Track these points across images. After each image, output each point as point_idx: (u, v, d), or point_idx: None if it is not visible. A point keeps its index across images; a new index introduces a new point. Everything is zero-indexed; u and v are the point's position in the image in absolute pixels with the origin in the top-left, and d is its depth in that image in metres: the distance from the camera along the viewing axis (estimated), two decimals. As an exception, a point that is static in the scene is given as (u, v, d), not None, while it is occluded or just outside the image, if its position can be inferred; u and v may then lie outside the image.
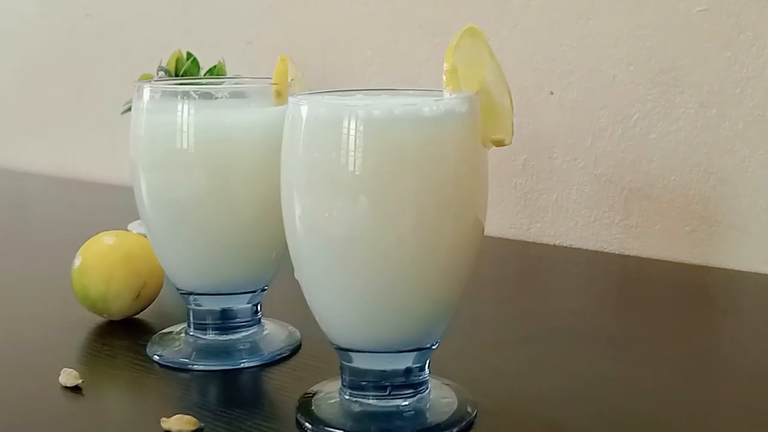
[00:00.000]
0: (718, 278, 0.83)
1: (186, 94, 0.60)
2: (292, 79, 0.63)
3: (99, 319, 0.70)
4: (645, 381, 0.59)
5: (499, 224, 0.96)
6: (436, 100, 0.49)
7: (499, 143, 0.52)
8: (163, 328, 0.69)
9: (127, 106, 0.94)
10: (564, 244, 0.93)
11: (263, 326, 0.66)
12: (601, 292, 0.83)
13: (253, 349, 0.63)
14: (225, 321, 0.64)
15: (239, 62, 1.06)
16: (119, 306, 0.69)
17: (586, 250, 0.92)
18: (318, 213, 0.49)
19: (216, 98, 0.61)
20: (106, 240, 0.71)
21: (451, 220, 0.50)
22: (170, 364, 0.62)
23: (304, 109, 0.49)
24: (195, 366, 0.61)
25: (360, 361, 0.52)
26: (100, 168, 1.32)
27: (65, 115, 1.39)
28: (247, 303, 0.64)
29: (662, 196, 0.87)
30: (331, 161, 0.48)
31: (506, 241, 0.96)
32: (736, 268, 0.83)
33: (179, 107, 0.59)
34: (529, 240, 0.95)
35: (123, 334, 0.68)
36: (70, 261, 0.70)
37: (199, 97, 0.60)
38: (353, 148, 0.48)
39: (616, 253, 0.90)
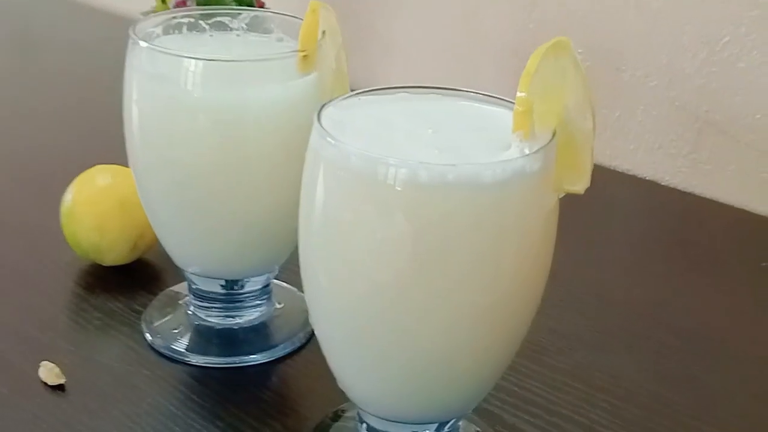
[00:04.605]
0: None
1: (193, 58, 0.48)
2: (323, 32, 0.51)
3: (89, 263, 0.63)
4: (698, 364, 0.53)
5: (549, 133, 0.86)
6: (501, 163, 0.38)
7: (574, 193, 0.42)
8: (162, 284, 0.61)
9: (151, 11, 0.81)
10: (619, 168, 0.83)
11: (274, 303, 0.58)
12: (655, 232, 0.74)
13: (262, 339, 0.56)
14: (230, 296, 0.56)
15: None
16: (114, 257, 0.61)
17: (644, 179, 0.81)
18: (341, 285, 0.40)
19: (231, 61, 0.49)
20: (100, 180, 0.61)
21: (507, 297, 0.40)
22: (167, 353, 0.55)
23: (330, 152, 0.39)
24: (194, 361, 0.54)
25: (378, 424, 0.45)
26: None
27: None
28: (259, 286, 0.56)
29: (742, 135, 0.75)
30: (360, 224, 0.38)
31: (555, 152, 0.85)
32: (815, 229, 0.74)
33: (183, 77, 0.48)
34: (581, 157, 0.85)
35: (117, 292, 0.60)
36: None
37: (208, 60, 0.49)
38: (391, 216, 0.38)
39: (678, 188, 0.80)
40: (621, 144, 0.82)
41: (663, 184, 0.81)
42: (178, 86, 0.48)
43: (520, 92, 0.39)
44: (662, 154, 0.80)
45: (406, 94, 0.45)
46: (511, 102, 0.42)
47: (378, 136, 0.41)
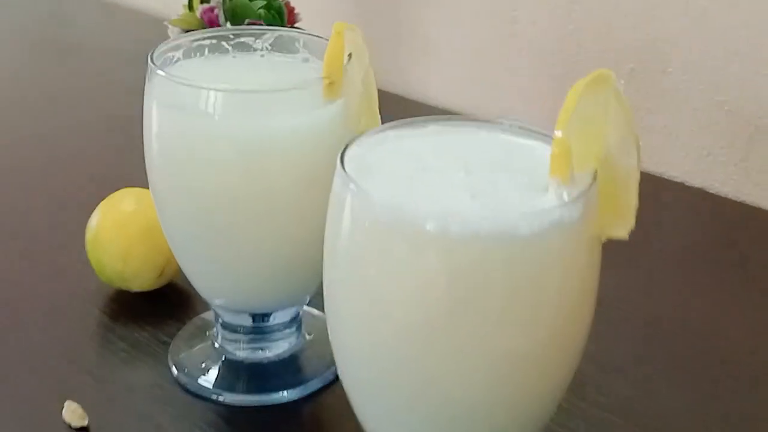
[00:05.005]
0: None
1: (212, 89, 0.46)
2: (349, 55, 0.49)
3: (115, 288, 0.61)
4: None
5: (592, 138, 0.82)
6: (538, 213, 0.35)
7: (617, 238, 0.39)
8: (191, 312, 0.59)
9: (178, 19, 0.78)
10: (666, 176, 0.79)
11: (304, 333, 0.56)
12: (706, 245, 0.70)
13: (292, 373, 0.54)
14: (258, 329, 0.54)
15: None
16: (139, 284, 0.59)
17: (693, 187, 0.78)
18: (367, 329, 0.38)
19: (251, 92, 0.47)
20: (125, 206, 0.59)
21: (545, 347, 0.38)
22: (193, 390, 0.53)
23: (355, 199, 0.36)
24: (221, 399, 0.52)
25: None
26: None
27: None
28: (288, 318, 0.54)
29: (797, 142, 0.72)
30: (387, 275, 0.36)
31: (598, 158, 0.82)
32: None
33: (203, 108, 0.46)
34: (626, 163, 0.81)
35: (143, 320, 0.58)
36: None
37: (228, 91, 0.46)
38: (421, 268, 0.35)
39: (730, 197, 0.76)
40: (668, 150, 0.79)
41: (712, 192, 0.77)
42: (198, 117, 0.46)
43: (558, 132, 0.36)
44: (712, 161, 0.76)
45: (437, 126, 0.42)
46: (548, 135, 0.39)
47: (406, 180, 0.38)
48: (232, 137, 0.46)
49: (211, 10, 0.78)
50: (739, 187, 0.76)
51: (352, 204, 0.37)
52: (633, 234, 0.72)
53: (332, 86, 0.47)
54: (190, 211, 0.49)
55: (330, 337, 0.41)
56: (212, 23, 0.78)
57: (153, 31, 0.84)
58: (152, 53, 0.49)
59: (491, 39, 0.87)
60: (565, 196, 0.36)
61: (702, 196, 0.77)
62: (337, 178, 0.38)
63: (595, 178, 0.37)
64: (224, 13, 0.78)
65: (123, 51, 1.05)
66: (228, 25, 0.79)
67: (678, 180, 0.79)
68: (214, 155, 0.47)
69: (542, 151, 0.39)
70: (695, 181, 0.78)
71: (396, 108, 0.94)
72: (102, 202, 0.60)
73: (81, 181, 0.75)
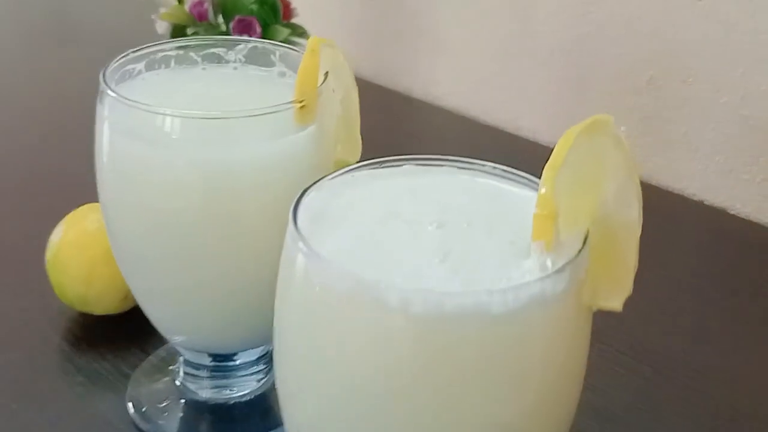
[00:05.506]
0: None
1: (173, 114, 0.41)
2: (326, 74, 0.44)
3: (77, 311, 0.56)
4: None
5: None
6: (513, 289, 0.30)
7: (610, 309, 0.34)
8: (157, 340, 0.54)
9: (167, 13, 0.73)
10: (685, 192, 0.74)
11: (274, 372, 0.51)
12: (724, 272, 0.65)
13: (261, 416, 0.49)
14: (222, 367, 0.50)
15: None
16: (103, 307, 0.55)
17: (713, 206, 0.72)
18: (318, 413, 0.33)
19: (213, 119, 0.42)
20: (89, 223, 0.55)
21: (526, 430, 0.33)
22: (152, 436, 0.48)
23: (305, 261, 0.31)
24: (182, 447, 0.48)
25: None
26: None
27: None
28: (254, 357, 0.49)
29: (827, 163, 0.66)
30: (338, 355, 0.31)
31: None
32: None
33: (159, 134, 0.41)
34: (641, 178, 0.75)
35: (105, 349, 0.54)
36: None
37: (186, 118, 0.41)
38: (377, 346, 0.30)
39: (751, 218, 0.70)
40: (688, 164, 0.73)
41: (733, 212, 0.71)
42: (153, 143, 0.41)
43: (543, 188, 0.31)
44: (734, 178, 0.71)
45: (412, 166, 0.37)
46: (536, 183, 0.34)
47: (369, 234, 0.33)
48: (191, 166, 0.42)
49: (201, 4, 0.73)
50: (762, 207, 0.70)
51: (304, 265, 0.32)
52: (642, 257, 0.67)
53: (305, 110, 0.42)
54: (141, 235, 0.44)
55: (280, 404, 0.36)
56: (201, 18, 0.74)
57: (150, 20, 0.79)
58: (105, 68, 0.44)
59: (502, 38, 0.82)
60: (549, 265, 0.31)
61: (722, 216, 0.71)
62: (288, 234, 0.33)
63: (585, 242, 0.32)
64: (214, 7, 0.73)
65: (115, 42, 1.00)
66: (219, 20, 0.74)
67: (697, 198, 0.73)
68: (171, 183, 0.42)
69: (531, 200, 0.34)
70: (716, 199, 0.72)
71: (401, 107, 0.89)
72: (66, 217, 0.56)
73: (51, 188, 0.70)
